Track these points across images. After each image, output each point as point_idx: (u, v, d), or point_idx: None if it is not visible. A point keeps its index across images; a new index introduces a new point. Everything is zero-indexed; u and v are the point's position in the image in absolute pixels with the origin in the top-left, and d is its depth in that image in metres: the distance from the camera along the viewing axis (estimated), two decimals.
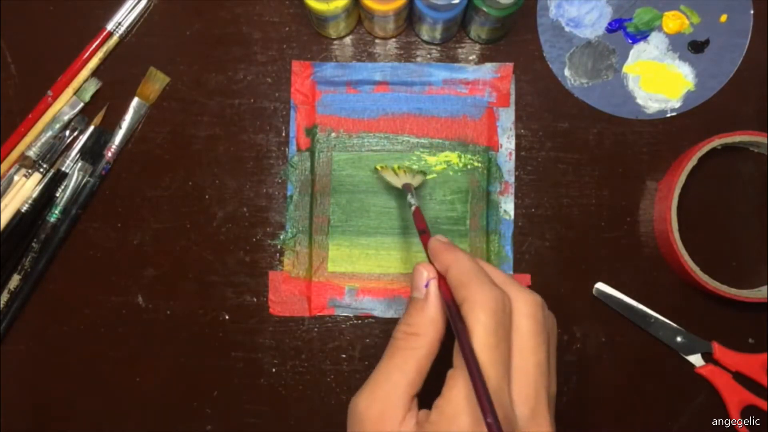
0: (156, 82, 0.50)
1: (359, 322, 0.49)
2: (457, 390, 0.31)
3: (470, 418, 0.30)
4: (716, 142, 0.47)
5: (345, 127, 0.50)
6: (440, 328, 0.34)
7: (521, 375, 0.32)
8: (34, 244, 0.49)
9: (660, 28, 0.49)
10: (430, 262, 0.36)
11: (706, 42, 0.49)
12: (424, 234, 0.38)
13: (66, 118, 0.50)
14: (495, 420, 0.28)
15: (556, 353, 0.35)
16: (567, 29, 0.50)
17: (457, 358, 0.31)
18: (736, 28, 0.49)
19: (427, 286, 0.34)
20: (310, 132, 0.50)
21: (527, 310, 0.33)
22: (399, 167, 0.47)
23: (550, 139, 0.50)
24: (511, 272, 0.49)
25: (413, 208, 0.42)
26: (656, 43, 0.49)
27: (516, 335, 0.32)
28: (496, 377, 0.30)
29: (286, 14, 0.50)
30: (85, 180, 0.49)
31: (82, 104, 0.50)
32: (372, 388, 0.33)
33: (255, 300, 0.49)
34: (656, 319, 0.48)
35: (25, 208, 0.49)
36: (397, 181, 0.46)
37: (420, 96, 0.50)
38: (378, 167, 0.48)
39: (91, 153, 0.50)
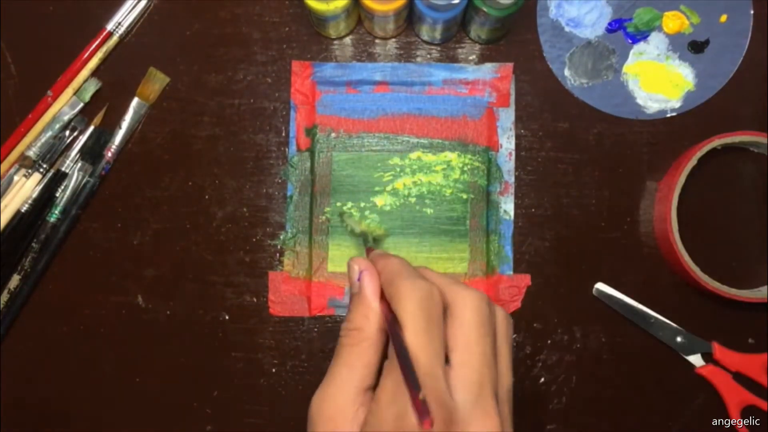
0: (156, 82, 0.50)
1: None
2: (390, 378, 0.31)
3: (404, 404, 0.30)
4: (716, 142, 0.47)
5: (345, 128, 0.50)
6: (378, 320, 0.34)
7: (464, 364, 0.32)
8: (33, 245, 0.49)
9: (660, 29, 0.49)
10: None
11: (706, 42, 0.49)
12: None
13: (66, 118, 0.50)
14: (422, 400, 0.28)
15: (510, 349, 0.35)
16: (567, 29, 0.50)
17: (391, 349, 0.32)
18: (736, 29, 0.49)
19: (359, 279, 0.35)
20: (310, 132, 0.50)
21: (469, 303, 0.33)
22: (362, 220, 0.49)
23: (550, 139, 0.50)
24: (511, 272, 0.49)
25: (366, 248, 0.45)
26: (656, 43, 0.49)
27: (457, 328, 0.32)
28: (427, 362, 0.31)
29: (286, 14, 0.50)
30: (84, 180, 0.49)
31: (81, 104, 0.50)
32: (323, 388, 0.33)
33: (255, 300, 0.49)
34: (656, 319, 0.48)
35: (24, 208, 0.49)
36: (357, 228, 0.48)
37: (420, 96, 0.50)
38: (343, 213, 0.49)
39: (91, 153, 0.50)
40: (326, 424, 0.32)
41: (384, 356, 0.33)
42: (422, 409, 0.28)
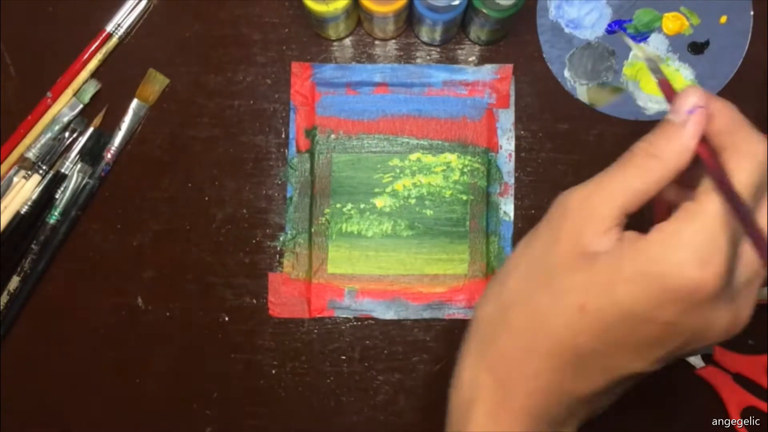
0: (155, 83, 0.50)
1: (359, 323, 0.49)
2: (692, 222, 0.28)
3: (694, 254, 0.28)
4: None
5: (345, 129, 0.50)
6: (684, 162, 0.30)
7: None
8: (33, 246, 0.49)
9: (660, 30, 0.49)
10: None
11: (706, 43, 0.49)
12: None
13: (65, 119, 0.50)
14: (761, 236, 0.26)
15: None
16: (567, 30, 0.50)
17: (702, 193, 0.29)
18: (736, 29, 0.49)
19: (690, 112, 0.30)
20: (310, 133, 0.50)
21: None
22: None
23: (550, 140, 0.50)
24: None
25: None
26: (656, 44, 0.49)
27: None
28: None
29: (286, 16, 0.50)
30: (84, 181, 0.49)
31: (81, 106, 0.50)
32: (589, 188, 0.31)
33: (255, 301, 0.49)
34: None
35: (24, 209, 0.49)
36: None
37: (419, 97, 0.50)
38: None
39: (91, 154, 0.50)
40: (578, 222, 0.30)
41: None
42: (763, 242, 0.26)
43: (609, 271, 0.29)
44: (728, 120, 0.30)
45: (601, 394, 0.32)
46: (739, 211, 0.28)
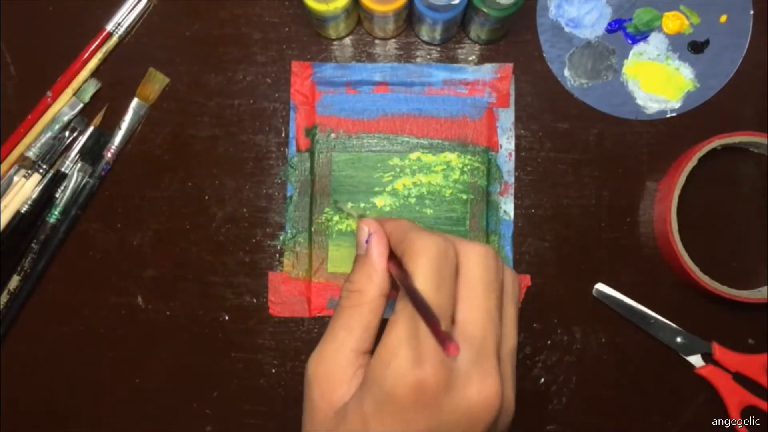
0: (155, 82, 0.50)
1: None
2: (394, 333, 0.30)
3: (404, 360, 0.29)
4: (716, 142, 0.46)
5: (345, 128, 0.50)
6: (381, 283, 0.33)
7: (467, 322, 0.31)
8: (33, 245, 0.49)
9: (660, 29, 0.49)
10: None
11: (706, 42, 0.49)
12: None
13: (65, 118, 0.50)
14: (436, 323, 0.28)
15: (517, 310, 0.34)
16: (567, 30, 0.50)
17: (398, 303, 0.31)
18: (736, 29, 0.49)
19: (367, 241, 0.34)
20: (310, 132, 0.50)
21: (476, 259, 0.32)
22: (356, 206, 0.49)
23: (550, 139, 0.50)
24: None
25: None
26: (656, 43, 0.49)
27: (464, 283, 0.32)
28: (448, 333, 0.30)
29: (286, 15, 0.50)
30: (84, 181, 0.49)
31: (81, 105, 0.50)
32: (319, 350, 0.33)
33: (255, 301, 0.49)
34: (656, 319, 0.48)
35: (24, 208, 0.49)
36: (354, 213, 0.48)
37: (419, 96, 0.50)
38: (336, 202, 0.49)
39: (91, 154, 0.50)
40: (322, 385, 0.32)
41: (382, 322, 0.33)
42: (445, 337, 0.27)
43: (357, 416, 0.30)
44: (399, 231, 0.33)
45: None
46: (418, 306, 0.29)
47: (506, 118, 0.49)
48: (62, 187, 0.49)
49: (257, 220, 0.50)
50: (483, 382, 0.30)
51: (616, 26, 0.50)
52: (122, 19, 0.50)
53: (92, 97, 0.50)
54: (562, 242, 0.49)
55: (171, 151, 0.50)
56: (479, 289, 0.32)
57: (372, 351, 0.33)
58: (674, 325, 0.48)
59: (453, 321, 0.32)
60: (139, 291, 0.49)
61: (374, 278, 0.33)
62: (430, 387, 0.29)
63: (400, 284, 0.32)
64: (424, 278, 0.31)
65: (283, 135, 0.50)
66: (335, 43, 0.50)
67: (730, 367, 0.48)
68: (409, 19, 0.49)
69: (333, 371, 0.32)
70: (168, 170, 0.50)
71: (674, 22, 0.49)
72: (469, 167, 0.49)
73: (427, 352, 0.29)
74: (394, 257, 0.34)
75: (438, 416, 0.30)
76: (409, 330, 0.30)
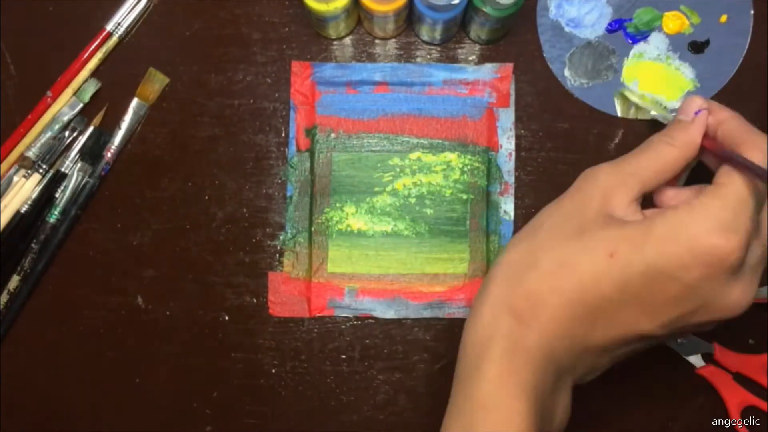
0: (155, 82, 0.50)
1: (359, 322, 0.49)
2: (718, 197, 0.32)
3: (720, 224, 0.31)
4: None
5: (345, 128, 0.50)
6: (694, 151, 0.35)
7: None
8: (33, 245, 0.49)
9: (660, 29, 0.49)
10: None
11: (706, 42, 0.49)
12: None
13: (65, 118, 0.50)
14: None
15: None
16: (567, 29, 0.50)
17: (722, 176, 0.33)
18: (736, 29, 0.49)
19: (697, 113, 0.36)
20: (310, 132, 0.50)
21: None
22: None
23: (550, 139, 0.50)
24: None
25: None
26: (656, 43, 0.49)
27: None
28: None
29: (286, 15, 0.50)
30: (84, 181, 0.49)
31: (81, 105, 0.50)
32: (617, 164, 0.35)
33: (255, 301, 0.49)
34: None
35: (24, 208, 0.49)
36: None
37: (420, 96, 0.50)
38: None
39: (91, 154, 0.50)
40: (608, 191, 0.35)
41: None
42: None
43: (641, 230, 0.32)
44: (735, 125, 0.35)
45: (605, 350, 0.35)
46: (751, 169, 0.31)
47: (506, 118, 0.49)
48: (62, 187, 0.49)
49: (257, 220, 0.50)
50: (748, 288, 0.33)
51: (616, 26, 0.50)
52: (122, 19, 0.50)
53: (92, 97, 0.50)
54: None
55: (171, 151, 0.50)
56: None
57: (645, 197, 0.35)
58: None
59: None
60: (139, 291, 0.49)
61: (690, 142, 0.35)
62: (726, 259, 0.31)
63: (728, 161, 0.33)
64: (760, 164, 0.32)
65: (283, 135, 0.50)
66: (335, 43, 0.50)
67: (731, 367, 0.48)
68: (409, 19, 0.49)
69: (621, 187, 0.34)
70: (168, 170, 0.50)
71: (674, 22, 0.49)
72: (469, 167, 0.49)
73: (742, 231, 0.31)
74: (711, 139, 0.36)
75: (704, 284, 0.32)
76: (733, 202, 0.32)
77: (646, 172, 0.35)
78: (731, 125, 0.35)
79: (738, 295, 0.32)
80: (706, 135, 0.36)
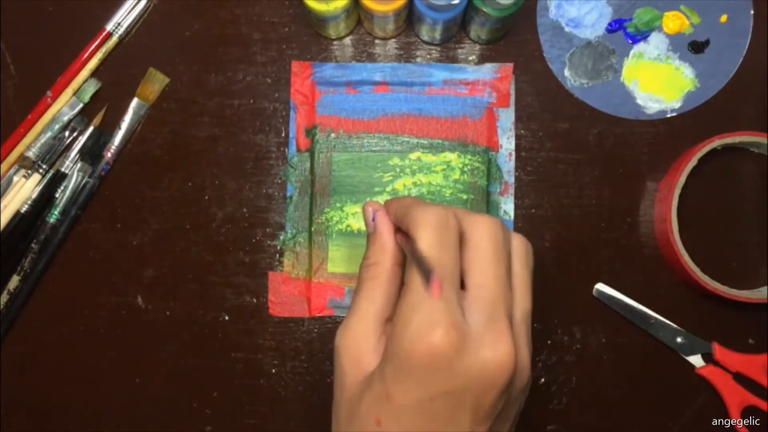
0: (155, 82, 0.50)
1: None
2: (405, 302, 0.32)
3: (416, 326, 0.31)
4: (716, 142, 0.46)
5: (345, 128, 0.50)
6: (394, 254, 0.35)
7: (477, 286, 0.33)
8: (33, 245, 0.49)
9: (660, 29, 0.49)
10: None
11: (707, 42, 0.49)
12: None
13: (65, 118, 0.50)
14: (425, 263, 0.29)
15: (530, 274, 0.35)
16: (567, 29, 0.50)
17: (408, 275, 0.33)
18: (737, 29, 0.49)
19: (374, 219, 0.36)
20: (310, 132, 0.50)
21: (482, 227, 0.34)
22: None
23: (550, 139, 0.50)
24: None
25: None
26: (656, 43, 0.49)
27: (471, 253, 0.33)
28: (440, 277, 0.32)
29: (286, 15, 0.50)
30: (84, 181, 0.49)
31: (81, 105, 0.50)
32: (345, 322, 0.35)
33: (255, 301, 0.49)
34: (656, 319, 0.48)
35: (24, 208, 0.49)
36: None
37: (420, 96, 0.50)
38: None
39: (91, 154, 0.50)
40: (350, 354, 0.34)
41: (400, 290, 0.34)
42: (429, 272, 0.29)
43: (380, 382, 0.32)
44: (403, 206, 0.35)
45: None
46: (416, 261, 0.31)
47: (506, 118, 0.49)
48: (62, 187, 0.49)
49: (257, 220, 0.50)
50: (495, 345, 0.31)
51: (616, 26, 0.50)
52: (122, 18, 0.50)
53: (92, 97, 0.50)
54: (562, 242, 0.49)
55: (171, 151, 0.50)
56: (487, 256, 0.33)
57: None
58: (674, 325, 0.48)
59: (463, 287, 0.33)
60: (139, 291, 0.49)
61: (387, 249, 0.35)
62: (442, 350, 0.30)
63: (406, 252, 0.34)
64: (426, 242, 0.32)
65: (283, 135, 0.50)
66: (335, 43, 0.50)
67: (731, 367, 0.48)
68: (409, 19, 0.49)
69: (359, 341, 0.34)
70: (168, 170, 0.50)
71: (674, 22, 0.49)
72: (469, 167, 0.49)
73: (437, 316, 0.31)
74: (401, 231, 0.35)
75: (452, 379, 0.31)
76: (420, 297, 0.31)
77: (372, 308, 0.34)
78: (399, 211, 0.35)
79: (490, 357, 0.31)
80: (398, 233, 0.36)
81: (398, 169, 0.49)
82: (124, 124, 0.50)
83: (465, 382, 0.31)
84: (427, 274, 0.29)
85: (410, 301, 0.32)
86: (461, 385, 0.31)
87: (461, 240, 0.34)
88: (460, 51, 0.50)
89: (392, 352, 0.31)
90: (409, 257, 0.33)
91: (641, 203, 0.49)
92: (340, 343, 0.34)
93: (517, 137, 0.49)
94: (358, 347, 0.34)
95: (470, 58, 0.50)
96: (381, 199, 0.49)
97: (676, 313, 0.48)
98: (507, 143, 0.49)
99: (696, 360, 0.48)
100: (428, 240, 0.32)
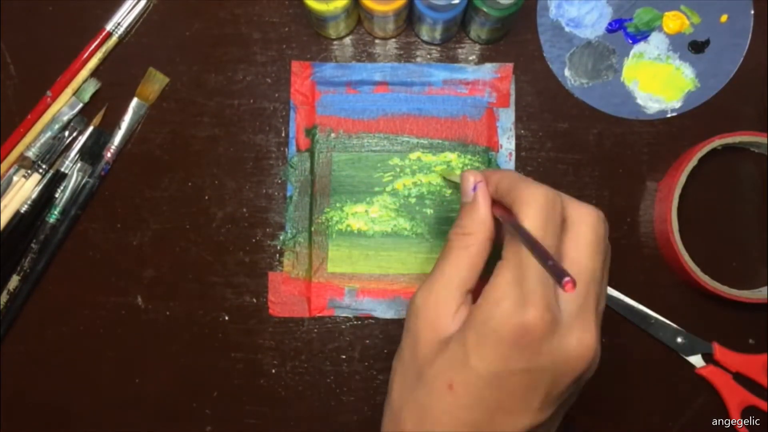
0: (155, 82, 0.50)
1: (359, 323, 0.49)
2: (502, 276, 0.32)
3: (512, 302, 0.31)
4: (716, 142, 0.46)
5: (345, 128, 0.50)
6: (489, 228, 0.35)
7: (573, 276, 0.32)
8: (33, 245, 0.49)
9: (660, 29, 0.49)
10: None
11: (707, 42, 0.49)
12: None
13: (65, 118, 0.50)
14: (554, 261, 0.28)
15: (608, 276, 0.35)
16: (567, 29, 0.50)
17: (507, 250, 0.33)
18: (737, 28, 0.49)
19: (474, 189, 0.36)
20: (310, 132, 0.50)
21: (588, 219, 0.33)
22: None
23: (550, 139, 0.50)
24: None
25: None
26: (656, 43, 0.49)
27: (572, 241, 0.33)
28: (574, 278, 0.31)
29: (286, 15, 0.50)
30: (84, 181, 0.49)
31: (81, 105, 0.50)
32: (428, 285, 0.35)
33: (255, 301, 0.49)
34: (656, 319, 0.48)
35: (24, 208, 0.49)
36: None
37: (420, 96, 0.50)
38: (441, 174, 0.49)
39: (91, 153, 0.50)
40: (429, 315, 0.34)
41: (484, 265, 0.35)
42: (562, 271, 0.28)
43: (459, 347, 0.32)
44: (507, 181, 0.35)
45: None
46: (533, 247, 0.30)
47: (506, 118, 0.49)
48: (62, 187, 0.49)
49: (257, 220, 0.50)
50: (583, 334, 0.32)
51: (616, 26, 0.49)
52: (122, 18, 0.50)
53: (92, 97, 0.50)
54: None
55: (171, 151, 0.50)
56: (588, 248, 0.33)
57: (473, 291, 0.35)
58: (674, 325, 0.48)
59: None
60: (139, 291, 0.49)
61: (483, 221, 0.35)
62: (534, 330, 0.31)
63: (509, 228, 0.33)
64: (533, 223, 0.32)
65: (283, 135, 0.50)
66: (335, 42, 0.50)
67: (731, 367, 0.48)
68: (409, 18, 0.49)
69: (440, 304, 0.34)
70: (168, 170, 0.50)
71: (675, 21, 0.49)
72: (469, 167, 0.49)
73: (534, 297, 0.31)
74: (500, 206, 0.35)
75: (536, 359, 0.31)
76: (517, 275, 0.32)
77: (458, 276, 0.34)
78: (504, 185, 0.35)
79: (575, 346, 0.32)
80: (494, 205, 0.35)
81: (398, 169, 0.49)
82: (124, 124, 0.50)
83: (547, 365, 0.31)
84: (560, 274, 0.28)
85: (507, 277, 0.32)
86: (542, 367, 0.31)
87: (563, 225, 0.33)
88: (460, 51, 0.50)
89: (480, 321, 0.32)
90: (509, 233, 0.33)
91: (641, 203, 0.49)
92: (420, 304, 0.34)
93: (517, 137, 0.49)
94: (437, 311, 0.34)
95: (470, 58, 0.50)
96: (381, 198, 0.49)
97: (676, 313, 0.48)
98: (507, 143, 0.49)
99: (696, 360, 0.48)
100: (534, 220, 0.32)
